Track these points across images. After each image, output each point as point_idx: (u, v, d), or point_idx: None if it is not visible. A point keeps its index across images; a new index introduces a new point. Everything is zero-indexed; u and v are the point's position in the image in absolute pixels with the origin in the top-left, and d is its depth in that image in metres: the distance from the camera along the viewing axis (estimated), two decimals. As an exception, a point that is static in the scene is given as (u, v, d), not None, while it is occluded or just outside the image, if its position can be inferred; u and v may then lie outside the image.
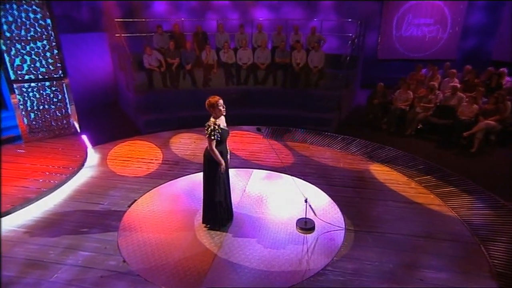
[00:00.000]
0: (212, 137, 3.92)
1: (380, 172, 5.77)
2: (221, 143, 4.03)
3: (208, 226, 4.34)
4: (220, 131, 3.94)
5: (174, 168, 5.91)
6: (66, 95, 6.98)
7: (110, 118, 8.55)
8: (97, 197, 5.01)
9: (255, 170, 5.79)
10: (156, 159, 6.24)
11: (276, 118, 8.04)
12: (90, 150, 6.61)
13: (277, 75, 9.06)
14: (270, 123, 7.81)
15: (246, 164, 6.03)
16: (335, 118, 8.05)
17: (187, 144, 6.93)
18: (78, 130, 7.09)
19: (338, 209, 4.72)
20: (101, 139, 7.00)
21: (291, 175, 5.34)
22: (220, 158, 4.01)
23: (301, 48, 8.93)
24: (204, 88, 8.90)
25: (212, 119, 3.98)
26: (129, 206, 4.79)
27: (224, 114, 4.01)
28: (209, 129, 3.92)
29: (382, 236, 4.21)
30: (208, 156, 4.03)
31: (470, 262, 3.85)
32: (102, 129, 7.65)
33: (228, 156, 4.28)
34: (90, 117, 8.25)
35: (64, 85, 6.94)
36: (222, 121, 4.06)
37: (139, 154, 6.46)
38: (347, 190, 5.20)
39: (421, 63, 9.56)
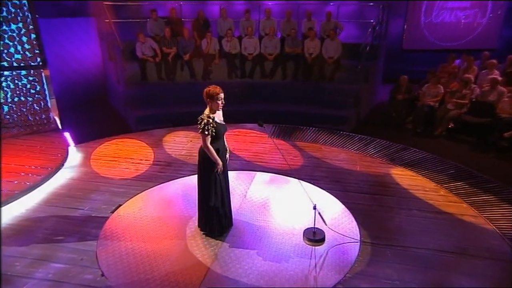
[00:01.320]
0: (206, 132, 3.86)
1: (403, 177, 5.72)
2: (217, 139, 3.98)
3: (204, 233, 4.33)
4: (214, 126, 3.87)
5: (167, 169, 5.91)
6: (45, 86, 6.98)
7: (97, 114, 8.57)
8: (76, 201, 4.98)
9: (258, 173, 5.78)
10: (146, 160, 6.26)
11: (285, 115, 8.04)
12: (72, 149, 6.62)
13: (286, 67, 9.04)
14: (278, 120, 7.80)
15: (249, 166, 6.04)
16: (352, 116, 8.05)
17: (183, 143, 6.93)
18: (59, 126, 7.08)
19: (352, 218, 4.65)
20: (86, 137, 7.01)
21: (299, 178, 5.32)
22: (217, 157, 3.96)
23: (314, 36, 8.89)
24: (203, 81, 8.87)
25: (206, 112, 3.93)
26: (112, 212, 4.76)
27: (220, 109, 3.99)
28: (202, 123, 3.86)
29: (405, 250, 4.12)
30: (203, 154, 3.99)
31: (510, 283, 3.71)
32: (88, 126, 7.66)
33: (227, 155, 4.24)
34: (75, 112, 8.28)
35: (43, 74, 6.94)
36: (218, 115, 4.03)
37: (127, 154, 6.47)
38: (363, 196, 5.15)
39: (454, 53, 9.34)
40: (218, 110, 3.97)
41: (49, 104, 7.09)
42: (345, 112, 7.97)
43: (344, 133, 7.41)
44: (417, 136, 7.38)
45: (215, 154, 3.92)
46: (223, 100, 3.94)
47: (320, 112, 8.01)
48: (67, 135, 6.77)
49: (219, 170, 4.00)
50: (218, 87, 3.91)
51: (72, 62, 8.93)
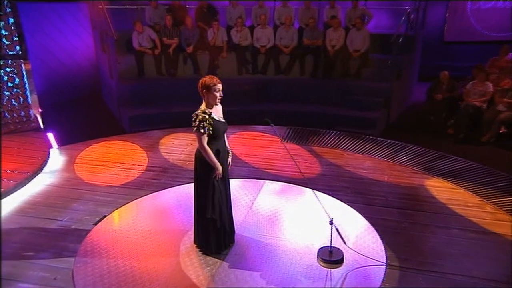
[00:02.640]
0: (201, 131, 3.81)
1: (441, 189, 5.64)
2: (215, 139, 3.93)
3: (200, 250, 4.28)
4: (211, 123, 3.82)
5: (162, 176, 5.94)
6: (25, 79, 7.07)
7: (86, 112, 8.67)
8: (54, 211, 4.98)
9: (267, 181, 5.79)
10: (139, 165, 6.30)
11: (301, 116, 8.05)
12: (54, 151, 6.68)
13: (305, 62, 9.00)
14: (293, 122, 7.81)
15: (257, 173, 6.06)
16: (381, 118, 8.00)
17: (182, 146, 6.95)
18: (41, 125, 7.13)
19: (377, 237, 4.56)
20: (71, 138, 7.09)
21: (315, 189, 5.28)
22: (215, 160, 3.91)
23: (338, 26, 8.84)
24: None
25: (202, 107, 3.90)
26: (95, 224, 4.76)
27: (219, 103, 3.95)
28: (197, 119, 3.82)
29: (441, 277, 4.01)
30: (200, 157, 3.95)
31: None
32: (74, 125, 7.76)
33: (229, 159, 4.20)
34: (60, 109, 8.40)
35: (23, 66, 7.04)
36: (217, 111, 3.99)
37: (117, 158, 6.52)
38: (391, 212, 5.08)
39: (507, 45, 9.04)
40: (216, 104, 3.93)
41: (29, 100, 7.18)
42: (372, 114, 7.93)
43: (371, 137, 7.39)
44: (459, 142, 7.24)
45: (212, 156, 3.87)
46: (221, 92, 3.89)
47: (343, 114, 8.00)
48: (49, 135, 6.83)
49: (217, 175, 3.94)
50: (215, 77, 3.89)
51: (60, 54, 9.06)
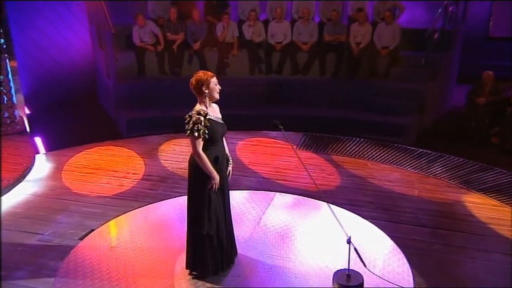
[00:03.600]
0: (195, 134, 3.76)
1: (482, 206, 5.57)
2: (212, 144, 3.89)
3: (194, 273, 4.20)
4: (207, 125, 3.79)
5: (159, 186, 5.98)
6: (10, 77, 7.16)
7: (80, 115, 8.74)
8: (35, 224, 4.98)
9: (277, 194, 5.78)
10: (134, 173, 6.34)
11: (321, 121, 8.05)
12: (41, 157, 6.74)
13: (326, 60, 8.97)
14: (311, 128, 7.82)
15: (267, 184, 6.09)
16: (413, 125, 7.93)
17: (184, 153, 6.92)
18: (27, 128, 7.17)
19: (404, 260, 4.50)
20: (61, 142, 7.17)
21: (332, 203, 5.24)
22: (211, 168, 3.85)
23: (365, 19, 8.78)
24: (218, 76, 8.73)
25: (197, 107, 3.89)
26: (81, 239, 4.75)
27: (218, 97, 3.95)
28: (190, 121, 3.77)
29: None
30: (195, 164, 3.90)
31: None
32: (66, 129, 7.85)
33: (230, 167, 4.18)
34: (51, 111, 8.48)
35: (7, 61, 7.13)
36: (213, 110, 3.99)
37: (110, 165, 6.58)
38: (422, 231, 5.03)
39: None
40: (217, 97, 3.93)
41: (14, 100, 7.24)
42: (403, 119, 7.87)
43: (401, 146, 7.34)
44: (505, 153, 7.11)
45: (208, 164, 3.82)
46: (218, 85, 3.91)
47: (368, 119, 7.95)
48: (36, 139, 6.90)
49: (214, 185, 3.89)
50: (209, 72, 3.91)
51: (52, 50, 9.15)
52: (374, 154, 7.03)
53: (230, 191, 5.40)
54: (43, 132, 7.18)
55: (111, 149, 7.12)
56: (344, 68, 8.79)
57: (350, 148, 7.26)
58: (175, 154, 6.94)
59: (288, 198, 5.66)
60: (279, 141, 7.40)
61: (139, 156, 6.87)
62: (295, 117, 7.92)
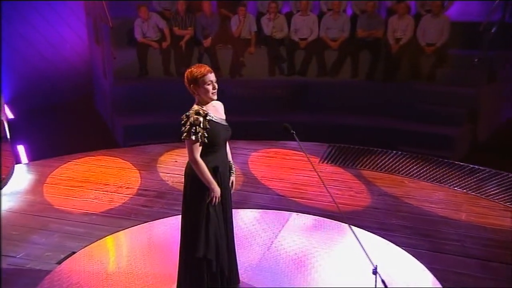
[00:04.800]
0: (193, 137, 3.67)
1: None
2: (213, 150, 3.82)
3: None
4: (207, 127, 3.71)
5: (155, 203, 5.97)
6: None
7: (73, 121, 8.88)
8: (7, 245, 4.95)
9: (294, 214, 5.74)
10: (127, 187, 6.37)
11: (350, 130, 8.08)
12: (21, 167, 6.83)
13: (359, 59, 9.01)
14: (338, 138, 7.85)
15: (282, 202, 6.07)
16: (463, 136, 7.96)
17: None
18: (7, 135, 7.30)
19: None
20: (47, 151, 7.29)
21: (358, 226, 5.24)
22: (210, 178, 3.78)
23: (406, 11, 8.77)
24: (231, 78, 8.97)
25: (195, 107, 3.80)
26: (59, 263, 4.71)
27: (215, 98, 3.83)
28: (188, 122, 3.71)
29: None
30: (191, 174, 3.84)
31: None
32: (55, 136, 7.95)
33: (232, 177, 4.11)
34: (40, 116, 8.63)
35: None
36: (216, 110, 3.91)
37: (100, 178, 6.63)
38: (469, 263, 4.90)
39: None
40: (212, 99, 3.80)
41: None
42: (450, 129, 7.84)
43: (446, 161, 7.29)
44: None
45: (207, 173, 3.74)
46: (215, 83, 3.76)
47: (408, 128, 7.96)
48: (18, 147, 6.98)
49: (214, 200, 3.80)
50: (204, 65, 3.81)
51: (43, 46, 9.38)
52: (413, 170, 6.98)
53: (238, 210, 5.46)
54: (27, 139, 7.27)
55: (103, 159, 7.18)
56: (381, 68, 8.80)
57: (384, 163, 7.24)
58: (177, 166, 6.91)
59: (306, 219, 5.60)
60: (299, 153, 7.37)
61: (134, 168, 6.90)
62: (320, 126, 8.07)
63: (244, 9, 9.01)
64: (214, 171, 3.78)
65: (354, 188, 6.42)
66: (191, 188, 3.84)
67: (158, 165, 7.04)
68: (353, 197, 6.17)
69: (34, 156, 7.02)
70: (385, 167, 7.12)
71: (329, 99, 8.61)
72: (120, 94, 8.52)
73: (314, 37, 9.01)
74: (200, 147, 3.67)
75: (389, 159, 7.36)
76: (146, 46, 8.83)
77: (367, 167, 7.12)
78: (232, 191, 4.11)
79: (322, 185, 6.02)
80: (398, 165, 7.16)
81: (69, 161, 7.06)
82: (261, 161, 7.21)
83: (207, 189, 3.75)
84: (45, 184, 6.33)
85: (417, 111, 8.13)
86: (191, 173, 3.79)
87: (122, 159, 7.19)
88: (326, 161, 7.21)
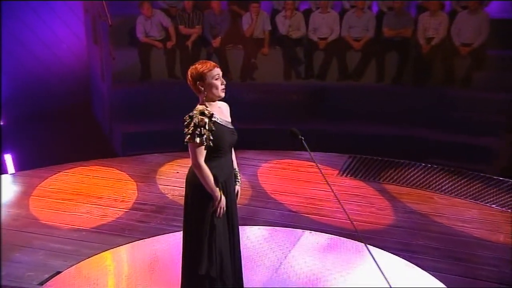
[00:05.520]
0: (197, 140, 3.64)
1: None
2: (217, 155, 3.79)
3: None
4: (213, 129, 3.68)
5: (153, 218, 5.97)
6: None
7: (67, 128, 8.94)
8: None
9: (307, 232, 5.71)
10: (123, 201, 6.39)
11: (374, 140, 8.11)
12: (7, 178, 6.87)
13: (385, 61, 9.01)
14: (360, 148, 7.88)
15: (294, 219, 6.05)
16: (503, 147, 7.86)
17: None
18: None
19: None
20: (37, 161, 7.34)
21: (379, 246, 5.22)
22: (214, 187, 3.75)
23: (438, 8, 8.77)
24: (242, 81, 9.00)
25: (199, 107, 3.78)
26: (41, 284, 4.68)
27: (223, 95, 3.82)
28: (191, 123, 3.68)
29: None
30: (194, 181, 3.81)
31: None
32: (47, 145, 8.03)
33: (237, 187, 4.07)
34: (32, 123, 8.72)
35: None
36: (221, 112, 3.88)
37: (94, 190, 6.64)
38: None
39: None
40: (220, 96, 3.79)
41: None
42: (488, 140, 7.82)
43: (483, 175, 7.22)
44: None
45: (211, 179, 3.70)
46: (223, 79, 3.77)
47: (440, 139, 7.95)
48: (6, 156, 7.06)
49: (219, 211, 3.77)
50: (209, 61, 3.81)
51: (37, 46, 9.45)
52: (444, 185, 6.92)
53: (244, 227, 5.43)
54: (16, 147, 7.36)
55: (97, 169, 7.21)
56: (410, 71, 8.79)
57: (411, 176, 7.19)
58: (178, 178, 6.95)
59: (321, 237, 5.57)
60: (314, 165, 7.25)
61: (132, 180, 6.91)
62: (340, 135, 8.10)
63: (257, 6, 9.01)
64: (217, 178, 3.74)
65: (376, 204, 6.38)
66: (193, 197, 3.81)
67: (157, 176, 7.05)
68: (375, 214, 6.13)
69: (22, 166, 7.06)
70: (412, 181, 7.06)
71: (351, 105, 8.61)
72: (119, 98, 8.56)
73: (335, 37, 8.99)
74: (205, 151, 3.65)
75: (417, 172, 7.31)
76: (149, 46, 8.87)
77: (392, 181, 7.08)
78: (238, 200, 4.06)
79: (341, 200, 6.07)
80: (427, 179, 7.10)
81: (60, 172, 7.08)
82: (272, 173, 7.19)
83: (211, 198, 3.72)
84: (32, 197, 6.32)
85: (450, 119, 8.10)
86: (194, 180, 3.75)
87: (119, 170, 7.22)
88: (345, 174, 7.20)
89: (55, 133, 8.57)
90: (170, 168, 7.32)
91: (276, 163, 7.46)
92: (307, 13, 9.26)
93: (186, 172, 4.44)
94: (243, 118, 8.43)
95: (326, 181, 4.18)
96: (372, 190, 6.81)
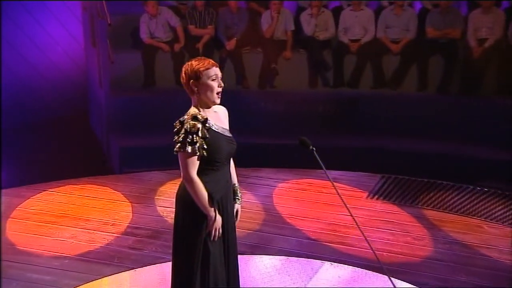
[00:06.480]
0: (188, 149, 3.59)
1: None
2: (212, 167, 3.74)
3: None
4: (207, 137, 3.62)
5: (148, 244, 5.98)
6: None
7: (59, 141, 9.06)
8: None
9: (327, 264, 5.69)
10: (114, 224, 6.41)
11: (414, 158, 8.07)
12: None
13: (428, 67, 9.00)
14: (395, 167, 7.86)
15: (313, 248, 6.03)
16: None
17: None
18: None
19: None
20: (21, 178, 7.45)
21: (413, 282, 5.21)
22: (209, 205, 3.69)
23: (493, 4, 8.73)
24: (260, 89, 9.01)
25: (192, 110, 3.74)
26: None
27: (218, 101, 3.78)
28: (183, 129, 3.64)
29: None
30: (185, 198, 3.75)
31: None
32: (33, 160, 8.12)
33: (238, 205, 4.01)
34: (18, 136, 8.83)
35: None
36: (217, 118, 3.85)
37: (82, 212, 6.67)
38: None
39: None
40: (215, 102, 3.73)
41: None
42: None
43: None
44: None
45: (205, 195, 3.64)
46: (221, 81, 3.70)
47: (492, 157, 7.92)
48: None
49: (214, 233, 3.71)
50: (207, 59, 3.76)
51: (29, 50, 9.58)
52: (496, 212, 6.83)
53: (254, 256, 5.48)
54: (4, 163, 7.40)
55: (88, 188, 7.22)
56: (458, 78, 8.78)
57: (456, 201, 7.13)
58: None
59: (343, 270, 5.54)
60: (341, 184, 7.36)
61: (126, 200, 6.92)
62: (372, 151, 8.06)
63: (278, 3, 8.99)
64: (212, 195, 3.68)
65: (412, 233, 6.32)
66: (184, 217, 3.75)
67: (156, 197, 7.06)
68: (410, 244, 6.07)
69: (3, 184, 7.04)
70: (457, 206, 7.00)
71: (387, 118, 8.61)
72: (118, 107, 8.58)
73: (370, 38, 9.00)
74: (198, 162, 3.60)
75: (463, 196, 7.24)
76: (153, 48, 8.90)
77: (432, 206, 7.03)
78: (237, 222, 4.00)
79: (369, 227, 6.14)
80: (476, 204, 7.03)
81: (45, 190, 7.08)
82: (290, 194, 7.16)
83: (205, 218, 3.65)
84: (9, 219, 6.31)
85: (505, 135, 7.89)
86: (185, 197, 3.69)
87: (112, 189, 7.24)
88: (377, 196, 7.19)
89: (44, 147, 8.69)
90: (172, 187, 7.12)
91: (294, 183, 7.45)
92: (336, 11, 9.24)
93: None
94: (261, 131, 8.42)
95: (344, 202, 4.05)
96: (408, 216, 6.76)
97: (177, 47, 8.89)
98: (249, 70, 8.99)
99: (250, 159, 7.39)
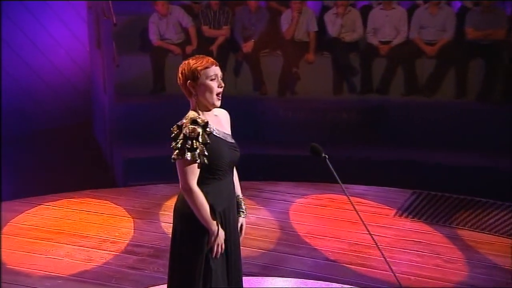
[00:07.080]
0: (188, 156, 3.54)
1: None
2: (214, 176, 3.70)
3: None
4: (208, 142, 3.57)
5: (149, 263, 6.00)
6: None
7: (60, 152, 9.11)
8: None
9: (346, 287, 5.67)
10: (113, 241, 6.43)
11: (448, 173, 8.07)
12: None
13: (468, 71, 8.99)
14: (427, 183, 7.84)
15: (331, 270, 6.00)
16: None
17: None
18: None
19: None
20: (16, 191, 7.49)
21: None
22: (210, 219, 3.62)
23: None
24: (280, 96, 9.02)
25: (191, 113, 3.70)
26: None
27: (218, 104, 3.75)
28: (181, 134, 3.60)
29: None
30: (184, 210, 3.71)
31: None
32: (33, 171, 8.20)
33: (242, 219, 3.97)
34: (16, 146, 8.90)
35: None
36: (218, 122, 3.82)
37: (78, 228, 6.70)
38: None
39: None
40: (215, 104, 3.70)
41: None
42: None
43: None
44: None
45: (207, 209, 3.59)
46: (221, 81, 3.66)
47: None
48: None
49: (216, 248, 3.64)
50: (206, 57, 3.72)
51: (29, 52, 9.65)
52: None
53: (267, 278, 5.63)
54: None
55: (87, 202, 7.27)
56: (502, 84, 8.75)
57: (495, 221, 7.06)
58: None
59: None
60: (368, 200, 7.40)
61: (128, 215, 6.96)
62: (403, 164, 8.08)
63: (299, 2, 9.00)
64: (214, 208, 3.63)
65: (444, 255, 6.25)
66: (183, 231, 3.70)
67: (161, 212, 7.08)
68: (442, 268, 5.99)
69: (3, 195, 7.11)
70: (496, 226, 6.94)
71: (420, 127, 8.62)
72: (123, 115, 8.60)
73: (402, 40, 8.99)
74: (198, 170, 3.55)
75: (503, 215, 7.19)
76: (163, 51, 8.95)
77: (468, 225, 6.99)
78: (242, 238, 3.94)
79: (397, 248, 6.11)
80: None
81: (41, 204, 7.13)
82: (308, 211, 7.15)
83: (206, 232, 3.60)
84: (1, 235, 6.29)
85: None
86: (184, 209, 3.66)
87: (114, 203, 7.27)
88: (406, 214, 7.16)
89: (44, 158, 8.72)
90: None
91: (314, 199, 7.44)
92: (365, 10, 9.24)
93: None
94: (280, 141, 8.39)
95: (360, 217, 3.97)
96: (440, 236, 6.72)
97: (189, 49, 8.87)
98: (268, 74, 9.01)
99: (267, 172, 7.50)
